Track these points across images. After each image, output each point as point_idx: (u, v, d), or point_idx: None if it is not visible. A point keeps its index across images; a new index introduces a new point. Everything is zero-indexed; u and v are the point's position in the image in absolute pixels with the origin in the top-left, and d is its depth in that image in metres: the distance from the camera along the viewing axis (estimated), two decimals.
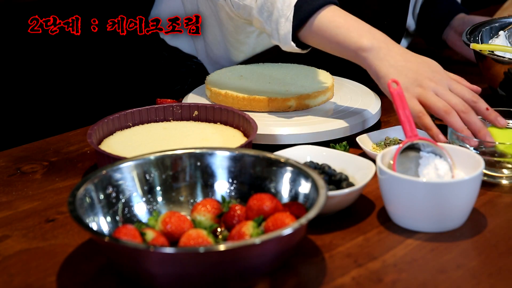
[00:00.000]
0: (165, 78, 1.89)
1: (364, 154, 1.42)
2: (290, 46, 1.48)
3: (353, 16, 1.46)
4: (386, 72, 1.39)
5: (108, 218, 1.16)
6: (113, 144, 1.40)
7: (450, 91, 1.38)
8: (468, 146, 1.34)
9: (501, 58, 1.58)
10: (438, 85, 1.38)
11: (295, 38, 1.47)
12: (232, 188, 1.24)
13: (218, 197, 1.23)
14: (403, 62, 1.40)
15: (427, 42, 1.95)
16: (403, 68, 1.39)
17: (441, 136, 1.35)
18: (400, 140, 1.46)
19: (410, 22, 1.93)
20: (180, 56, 1.87)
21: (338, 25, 1.43)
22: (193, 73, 1.86)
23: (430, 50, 1.93)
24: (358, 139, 1.44)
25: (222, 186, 1.24)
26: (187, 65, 1.86)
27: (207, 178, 1.24)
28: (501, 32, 1.75)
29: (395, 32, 1.81)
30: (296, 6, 1.44)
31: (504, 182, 1.35)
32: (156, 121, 1.50)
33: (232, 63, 1.79)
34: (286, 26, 1.45)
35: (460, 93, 1.39)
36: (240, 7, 1.54)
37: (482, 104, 1.38)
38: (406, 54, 1.42)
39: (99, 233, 1.11)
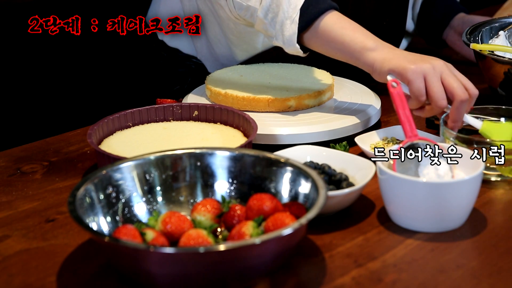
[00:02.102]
0: (165, 78, 1.89)
1: (364, 154, 1.42)
2: (294, 48, 1.49)
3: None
4: (393, 56, 1.39)
5: (108, 218, 1.16)
6: (113, 144, 1.40)
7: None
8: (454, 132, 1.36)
9: (501, 58, 1.58)
10: (447, 69, 1.37)
11: (298, 41, 1.48)
12: (232, 188, 1.24)
13: (218, 197, 1.23)
14: (409, 55, 1.41)
15: (427, 41, 1.95)
16: (411, 56, 1.39)
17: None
18: (399, 140, 1.46)
19: (409, 23, 1.93)
20: (179, 56, 1.87)
21: (344, 26, 1.45)
22: (193, 73, 1.86)
23: (430, 50, 1.93)
24: (357, 139, 1.44)
25: (222, 186, 1.24)
26: (186, 65, 1.86)
27: (207, 178, 1.24)
28: (501, 32, 1.75)
29: (394, 32, 1.81)
30: (301, 9, 1.45)
31: (494, 178, 1.35)
32: (156, 121, 1.49)
33: (235, 61, 1.79)
34: (291, 28, 1.47)
35: (466, 84, 1.38)
36: (242, 8, 1.54)
37: (473, 101, 1.39)
38: (411, 53, 1.42)
39: (99, 233, 1.11)
